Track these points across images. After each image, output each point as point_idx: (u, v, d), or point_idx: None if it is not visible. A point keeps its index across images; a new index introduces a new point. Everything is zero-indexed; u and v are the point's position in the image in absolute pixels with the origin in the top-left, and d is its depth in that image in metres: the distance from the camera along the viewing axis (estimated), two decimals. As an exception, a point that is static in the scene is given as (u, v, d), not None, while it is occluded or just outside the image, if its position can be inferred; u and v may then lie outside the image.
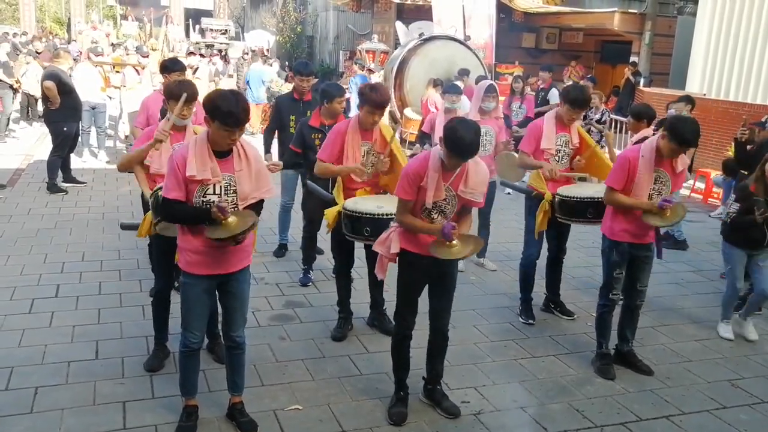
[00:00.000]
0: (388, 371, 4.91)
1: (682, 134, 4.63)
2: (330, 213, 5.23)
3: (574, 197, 5.59)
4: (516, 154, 6.38)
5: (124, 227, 5.29)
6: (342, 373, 4.93)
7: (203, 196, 3.83)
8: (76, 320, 5.58)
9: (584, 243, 8.14)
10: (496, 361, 5.24)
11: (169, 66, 6.47)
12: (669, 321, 6.25)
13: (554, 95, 11.73)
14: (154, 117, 6.35)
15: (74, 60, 13.70)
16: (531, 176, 5.97)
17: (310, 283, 6.64)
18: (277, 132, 7.10)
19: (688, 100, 8.57)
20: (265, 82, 16.27)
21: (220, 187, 3.85)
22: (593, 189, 5.66)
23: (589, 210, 5.56)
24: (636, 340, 5.72)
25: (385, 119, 11.95)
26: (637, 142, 5.68)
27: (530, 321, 5.98)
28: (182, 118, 4.88)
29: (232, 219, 3.80)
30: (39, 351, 5.02)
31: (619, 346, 5.31)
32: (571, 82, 15.73)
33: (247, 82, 16.80)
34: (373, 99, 5.11)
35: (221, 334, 4.34)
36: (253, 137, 16.13)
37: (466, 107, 11.42)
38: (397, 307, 4.43)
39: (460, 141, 3.89)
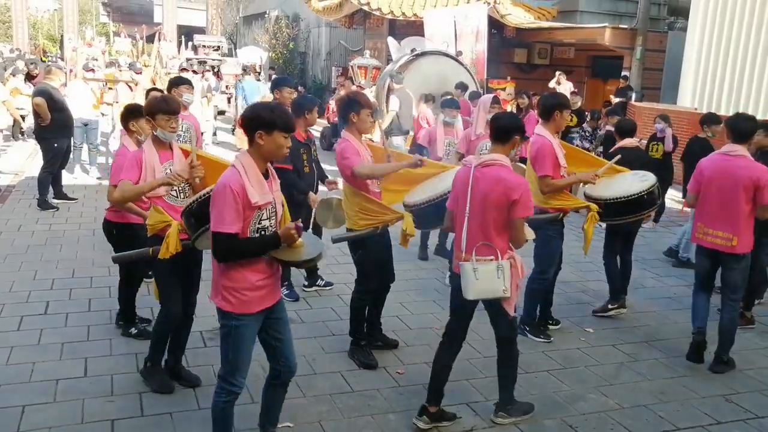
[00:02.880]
0: (380, 388, 4.90)
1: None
2: (408, 222, 5.27)
3: (619, 197, 5.80)
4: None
5: (119, 260, 5.02)
6: (334, 390, 4.89)
7: (259, 223, 3.55)
8: (65, 337, 5.53)
9: (577, 258, 8.12)
10: (489, 377, 5.19)
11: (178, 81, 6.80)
12: (662, 335, 6.23)
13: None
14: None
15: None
16: (547, 199, 5.72)
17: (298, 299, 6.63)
18: None
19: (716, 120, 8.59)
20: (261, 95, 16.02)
21: (267, 210, 3.58)
22: (620, 185, 5.93)
23: (631, 205, 5.83)
24: (627, 354, 5.72)
25: (376, 135, 12.00)
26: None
27: (550, 339, 5.96)
28: (172, 132, 4.66)
29: (300, 241, 3.55)
30: (27, 369, 4.97)
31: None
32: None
33: (244, 96, 16.24)
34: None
35: (273, 369, 3.96)
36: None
37: (459, 121, 11.47)
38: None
39: None
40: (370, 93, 14.92)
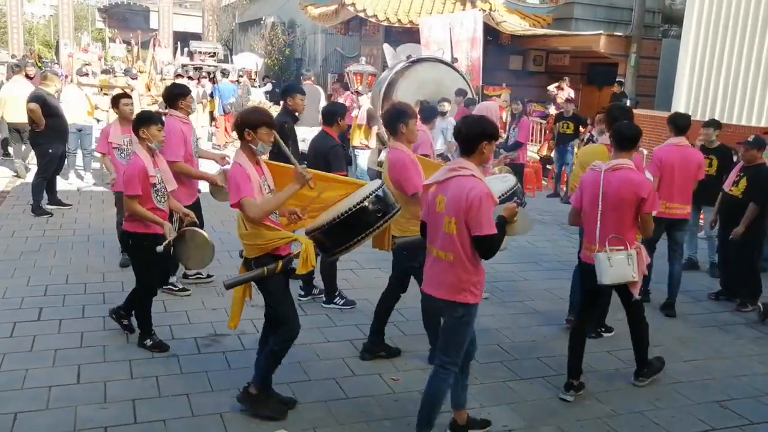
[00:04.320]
0: (375, 395, 4.89)
1: None
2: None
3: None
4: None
5: (232, 286, 4.54)
6: (328, 397, 4.87)
7: None
8: (58, 344, 5.49)
9: (568, 262, 8.11)
10: (485, 383, 5.19)
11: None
12: (657, 342, 6.21)
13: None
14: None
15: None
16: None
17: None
18: None
19: (716, 125, 8.50)
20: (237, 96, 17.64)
21: None
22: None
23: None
24: (623, 361, 5.71)
25: (372, 142, 11.99)
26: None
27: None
28: (270, 145, 4.49)
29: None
30: (19, 375, 4.93)
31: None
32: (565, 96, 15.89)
33: (220, 96, 18.00)
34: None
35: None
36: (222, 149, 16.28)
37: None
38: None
39: None
40: (366, 99, 14.93)
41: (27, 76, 13.24)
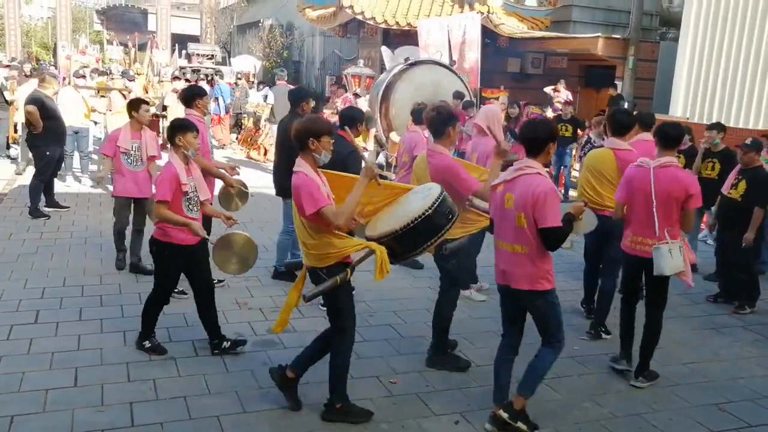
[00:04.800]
0: (373, 397, 4.88)
1: None
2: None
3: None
4: None
5: (312, 297, 4.48)
6: (326, 400, 4.84)
7: None
8: (55, 347, 5.48)
9: (571, 267, 8.13)
10: (483, 386, 5.18)
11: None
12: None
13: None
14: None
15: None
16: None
17: None
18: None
19: (720, 127, 8.46)
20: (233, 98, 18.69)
21: None
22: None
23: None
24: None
25: (370, 144, 11.96)
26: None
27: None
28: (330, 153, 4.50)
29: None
30: (16, 378, 4.92)
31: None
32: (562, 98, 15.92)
33: (222, 96, 19.01)
34: None
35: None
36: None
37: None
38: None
39: None
40: (364, 101, 14.93)
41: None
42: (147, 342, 5.49)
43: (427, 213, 4.30)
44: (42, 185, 9.94)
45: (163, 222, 5.25)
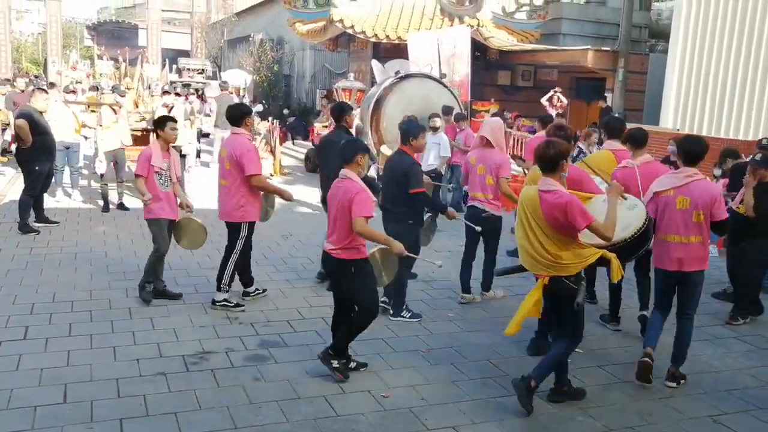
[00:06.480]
0: (365, 412, 4.84)
1: None
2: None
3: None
4: None
5: (501, 273, 5.93)
6: (318, 415, 4.81)
7: None
8: (44, 363, 5.42)
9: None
10: (476, 399, 5.15)
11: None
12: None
13: None
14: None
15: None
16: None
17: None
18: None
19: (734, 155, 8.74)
20: None
21: None
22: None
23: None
24: (615, 376, 5.69)
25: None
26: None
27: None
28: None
29: None
30: (4, 395, 4.86)
31: None
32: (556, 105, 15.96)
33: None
34: None
35: None
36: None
37: (446, 142, 11.56)
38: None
39: None
40: (355, 114, 14.93)
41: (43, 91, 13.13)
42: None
43: (642, 229, 5.30)
44: (31, 200, 9.88)
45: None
